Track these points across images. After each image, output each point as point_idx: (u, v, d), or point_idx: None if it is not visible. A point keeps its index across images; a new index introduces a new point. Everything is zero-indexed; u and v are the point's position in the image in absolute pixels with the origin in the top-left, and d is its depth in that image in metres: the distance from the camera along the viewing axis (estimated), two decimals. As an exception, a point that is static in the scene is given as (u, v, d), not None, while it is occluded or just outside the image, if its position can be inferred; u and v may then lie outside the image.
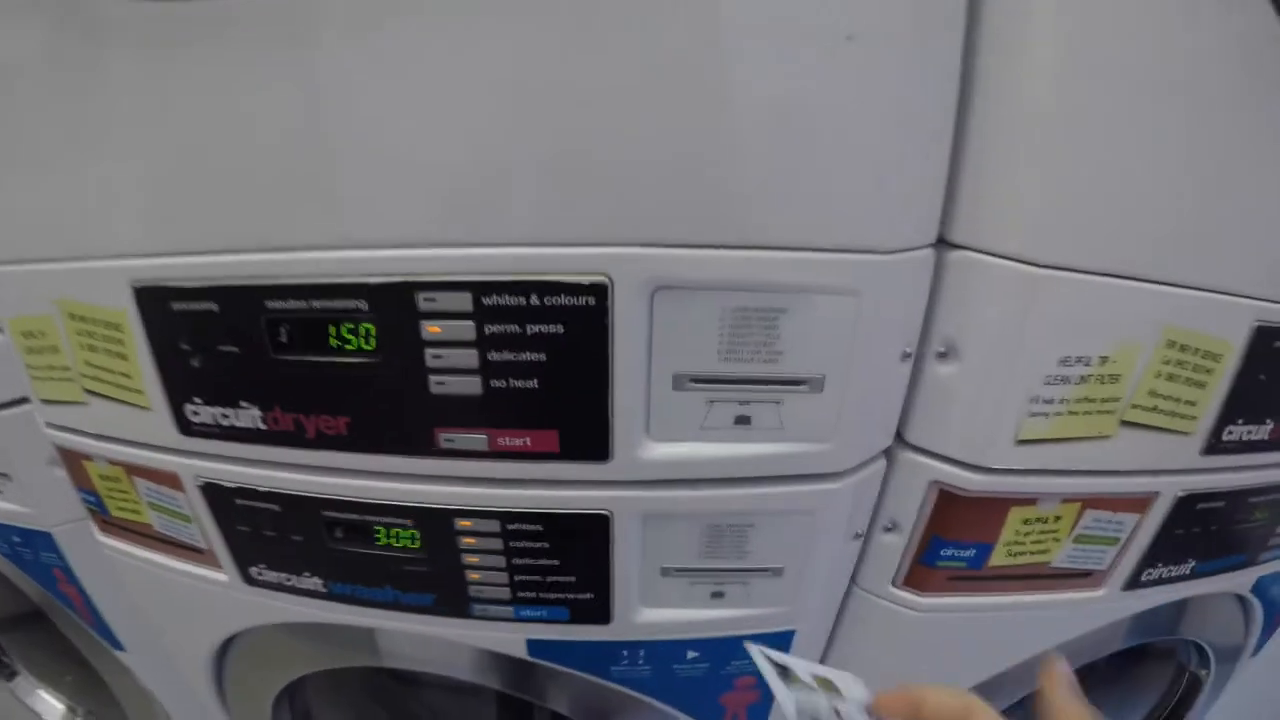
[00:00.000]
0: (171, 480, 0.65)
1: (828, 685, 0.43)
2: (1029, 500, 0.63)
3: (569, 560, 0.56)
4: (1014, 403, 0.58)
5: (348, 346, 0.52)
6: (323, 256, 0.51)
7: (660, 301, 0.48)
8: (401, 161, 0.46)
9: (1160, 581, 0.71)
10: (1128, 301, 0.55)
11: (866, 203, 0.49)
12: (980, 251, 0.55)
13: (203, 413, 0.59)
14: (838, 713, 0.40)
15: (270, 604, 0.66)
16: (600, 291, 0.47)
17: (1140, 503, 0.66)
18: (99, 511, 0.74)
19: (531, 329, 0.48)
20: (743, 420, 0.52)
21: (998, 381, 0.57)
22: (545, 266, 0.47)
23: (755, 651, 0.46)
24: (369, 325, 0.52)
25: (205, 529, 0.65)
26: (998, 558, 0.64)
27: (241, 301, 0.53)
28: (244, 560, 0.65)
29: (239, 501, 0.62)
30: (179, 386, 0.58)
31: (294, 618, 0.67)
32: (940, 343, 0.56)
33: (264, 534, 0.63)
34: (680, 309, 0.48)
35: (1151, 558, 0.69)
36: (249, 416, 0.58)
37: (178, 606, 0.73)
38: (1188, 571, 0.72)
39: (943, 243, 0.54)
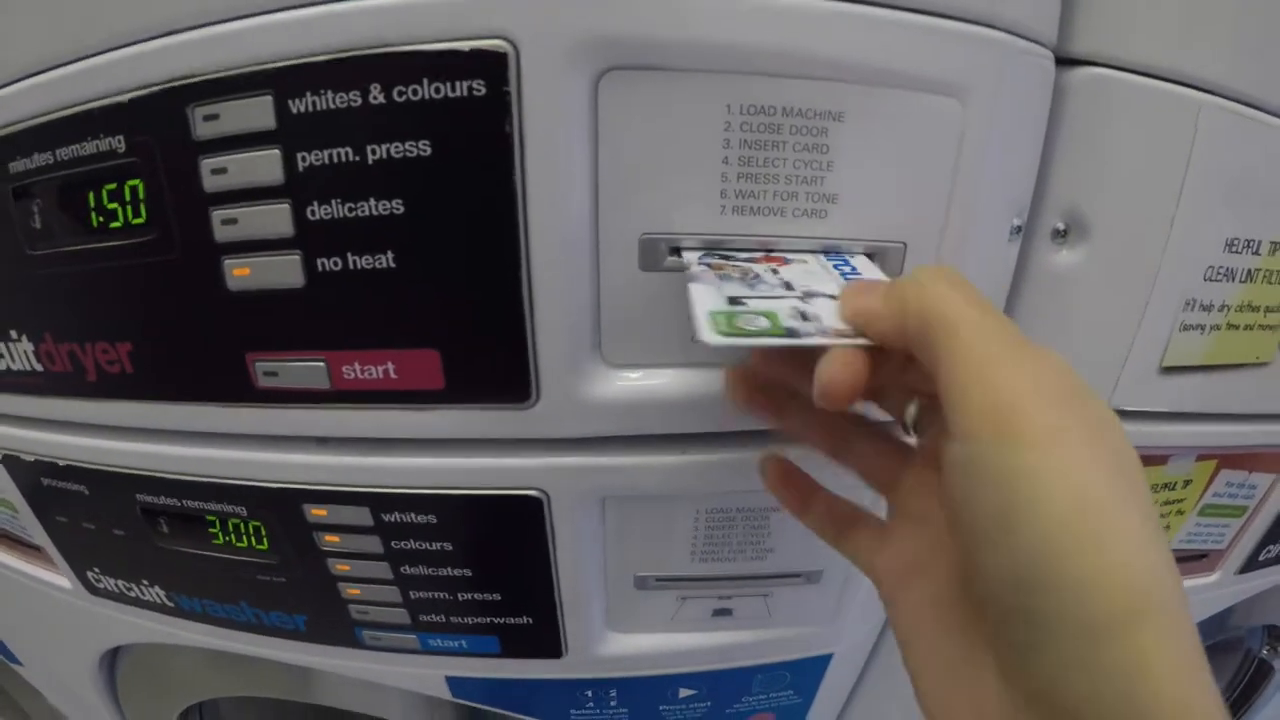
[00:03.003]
0: (-21, 455, 0.37)
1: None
2: (1159, 459, 0.34)
3: (487, 569, 0.27)
4: (1165, 308, 0.29)
5: (113, 224, 0.24)
6: (54, 77, 0.23)
7: (613, 91, 0.19)
8: None
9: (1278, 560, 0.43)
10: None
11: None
12: (1118, 67, 0.27)
13: (-23, 353, 0.31)
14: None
15: (120, 619, 0.38)
16: (494, 68, 0.18)
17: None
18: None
19: (375, 153, 0.19)
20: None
21: (1143, 273, 0.28)
22: (390, 30, 0.19)
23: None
24: (135, 181, 0.24)
25: (25, 518, 0.37)
26: (1106, 541, 0.36)
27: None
28: (77, 562, 0.36)
29: (44, 481, 0.33)
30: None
31: (156, 637, 0.38)
32: (1059, 214, 0.28)
33: (84, 526, 0.34)
34: (663, 100, 0.19)
35: (1276, 531, 0.41)
36: (23, 352, 0.29)
37: (41, 616, 0.44)
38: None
39: (1060, 61, 0.27)
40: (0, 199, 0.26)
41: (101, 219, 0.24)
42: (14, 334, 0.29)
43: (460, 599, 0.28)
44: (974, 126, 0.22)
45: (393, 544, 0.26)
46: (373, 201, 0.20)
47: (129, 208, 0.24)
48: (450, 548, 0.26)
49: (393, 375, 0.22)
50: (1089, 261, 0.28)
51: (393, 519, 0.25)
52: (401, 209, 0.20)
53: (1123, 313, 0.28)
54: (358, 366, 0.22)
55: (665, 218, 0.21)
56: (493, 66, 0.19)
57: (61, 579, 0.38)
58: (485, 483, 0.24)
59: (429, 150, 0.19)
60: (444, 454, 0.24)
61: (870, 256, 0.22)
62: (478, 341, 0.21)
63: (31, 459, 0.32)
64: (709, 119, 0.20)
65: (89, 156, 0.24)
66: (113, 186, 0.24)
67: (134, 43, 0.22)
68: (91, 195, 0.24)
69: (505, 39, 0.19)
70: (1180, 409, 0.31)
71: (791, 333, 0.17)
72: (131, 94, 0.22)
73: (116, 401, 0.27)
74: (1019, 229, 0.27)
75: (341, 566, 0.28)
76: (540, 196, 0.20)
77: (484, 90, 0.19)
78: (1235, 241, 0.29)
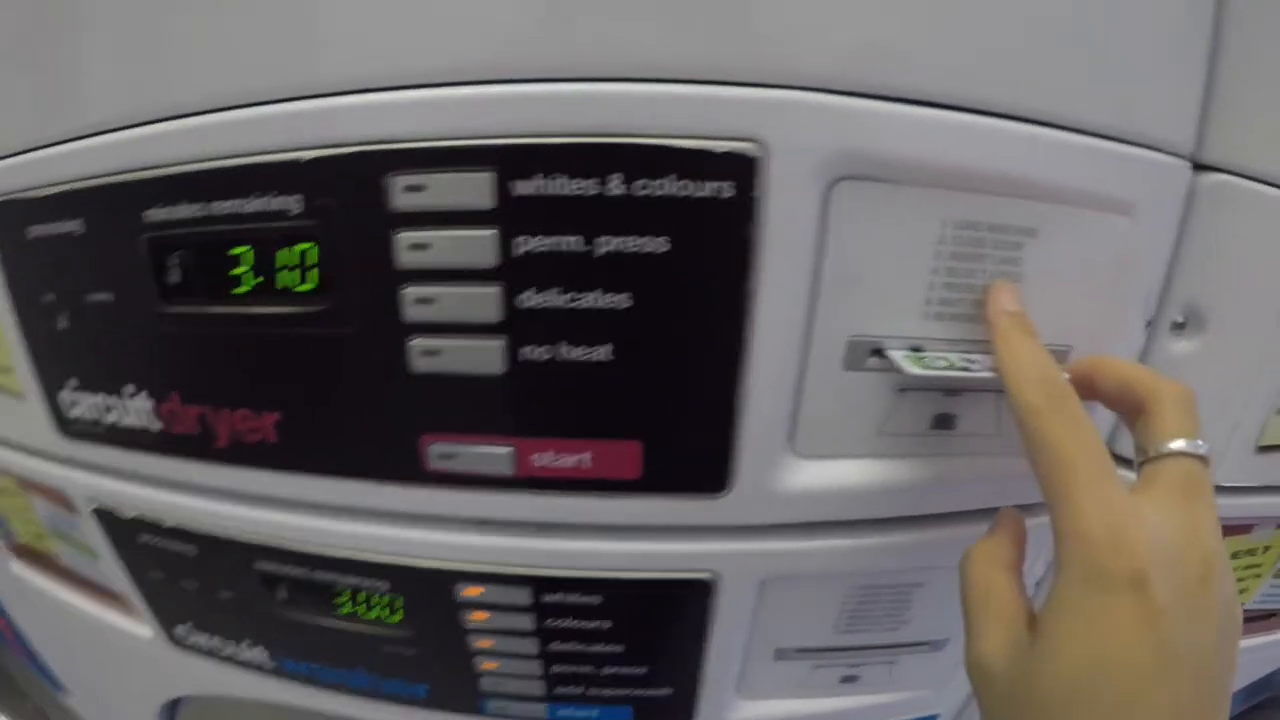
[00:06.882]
0: (62, 500, 0.34)
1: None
2: (1244, 527, 0.35)
3: (641, 646, 0.26)
4: (1267, 393, 0.31)
5: (274, 288, 0.23)
6: (215, 121, 0.21)
7: (841, 200, 0.19)
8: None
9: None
10: None
11: (1157, 74, 0.21)
12: (1244, 176, 0.28)
13: (82, 402, 0.28)
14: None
15: (206, 673, 0.35)
16: (744, 171, 0.18)
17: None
18: (7, 533, 0.42)
19: (607, 245, 0.19)
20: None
21: (1252, 363, 0.30)
22: (639, 120, 0.18)
23: None
24: (306, 245, 0.22)
25: (111, 569, 0.34)
26: (1187, 602, 0.37)
27: (113, 208, 0.23)
28: (165, 616, 0.33)
29: (143, 538, 0.31)
30: (50, 359, 0.27)
31: (241, 693, 0.36)
32: (1179, 308, 0.29)
33: (182, 585, 0.32)
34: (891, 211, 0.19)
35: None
36: (138, 409, 0.27)
37: (105, 657, 0.41)
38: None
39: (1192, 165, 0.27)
40: (129, 247, 0.24)
41: (260, 280, 0.23)
42: (131, 390, 0.27)
43: (603, 673, 0.27)
44: (1138, 239, 0.23)
45: (546, 622, 0.25)
46: (598, 293, 0.19)
47: (296, 273, 0.22)
48: (608, 626, 0.25)
49: (587, 464, 0.21)
50: (1202, 351, 0.29)
51: (554, 600, 0.24)
52: (629, 302, 0.19)
53: (1229, 398, 0.29)
54: (551, 455, 0.21)
55: (873, 321, 0.21)
56: (743, 169, 0.18)
57: (142, 629, 0.35)
58: (659, 566, 0.24)
59: (667, 247, 0.19)
60: (623, 539, 0.23)
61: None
62: (685, 434, 0.21)
63: (131, 514, 0.30)
64: (925, 231, 0.20)
65: (251, 214, 0.22)
66: (280, 249, 0.22)
67: (318, 95, 0.20)
68: (252, 255, 0.22)
69: (756, 140, 0.18)
70: (1271, 483, 0.33)
71: (966, 368, 0.21)
72: (314, 152, 0.21)
73: (250, 469, 0.25)
74: (1149, 324, 0.27)
75: (482, 642, 0.26)
76: (770, 298, 0.19)
77: (732, 192, 0.18)
78: (1329, 329, 0.31)
